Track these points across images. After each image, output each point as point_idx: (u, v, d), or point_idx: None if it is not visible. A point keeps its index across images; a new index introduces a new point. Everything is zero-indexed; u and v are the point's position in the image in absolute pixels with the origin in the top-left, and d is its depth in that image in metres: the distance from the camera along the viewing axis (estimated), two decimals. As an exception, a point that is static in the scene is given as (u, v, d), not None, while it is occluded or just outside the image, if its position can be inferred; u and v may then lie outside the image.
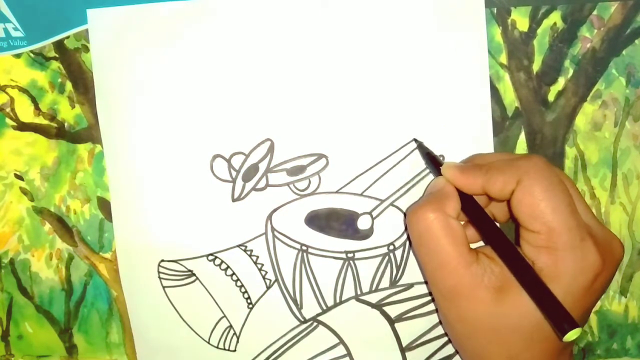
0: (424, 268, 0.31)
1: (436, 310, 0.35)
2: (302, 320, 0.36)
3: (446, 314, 0.30)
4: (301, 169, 0.35)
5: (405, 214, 0.35)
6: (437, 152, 0.35)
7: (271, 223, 0.36)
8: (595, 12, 0.34)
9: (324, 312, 0.36)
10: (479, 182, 0.30)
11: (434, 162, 0.33)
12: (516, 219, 0.29)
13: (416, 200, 0.34)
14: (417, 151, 0.35)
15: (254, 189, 0.36)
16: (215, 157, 0.36)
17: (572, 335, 0.25)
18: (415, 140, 0.35)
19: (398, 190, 0.35)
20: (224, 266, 0.36)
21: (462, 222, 0.31)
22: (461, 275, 0.28)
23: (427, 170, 0.35)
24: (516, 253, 0.28)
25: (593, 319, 0.37)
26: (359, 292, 0.36)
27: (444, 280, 0.29)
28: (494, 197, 0.30)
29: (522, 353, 0.29)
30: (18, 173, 0.38)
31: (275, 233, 0.36)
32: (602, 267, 0.27)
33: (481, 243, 0.33)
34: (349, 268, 0.35)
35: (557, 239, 0.27)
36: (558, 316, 0.25)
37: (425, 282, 0.35)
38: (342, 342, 0.36)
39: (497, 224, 0.32)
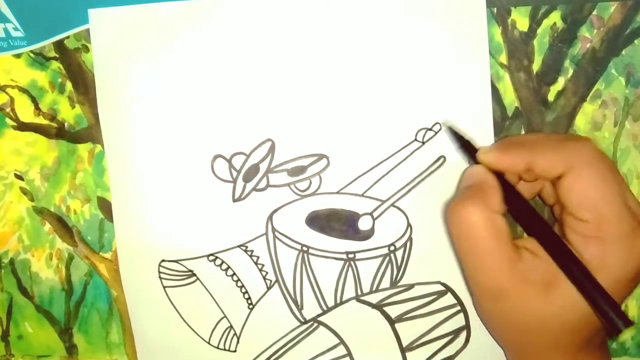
0: (464, 266, 0.29)
1: (439, 310, 0.35)
2: (303, 320, 0.36)
3: (490, 312, 0.30)
4: (302, 169, 0.35)
5: (410, 219, 0.35)
6: (438, 153, 0.35)
7: (272, 223, 0.36)
8: (595, 12, 0.34)
9: (324, 312, 0.36)
10: (523, 161, 0.28)
11: (467, 148, 0.31)
12: (563, 204, 0.28)
13: (418, 206, 0.34)
14: (418, 152, 0.35)
15: (254, 189, 0.36)
16: (216, 157, 0.36)
17: (626, 334, 0.24)
18: (450, 127, 0.33)
19: (399, 190, 0.35)
20: (224, 266, 0.36)
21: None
22: (506, 275, 0.27)
23: (429, 171, 0.35)
24: (565, 248, 0.27)
25: (593, 318, 0.37)
26: (359, 293, 0.36)
27: (489, 280, 0.28)
28: (537, 176, 0.28)
29: (569, 343, 0.28)
30: (18, 173, 0.38)
31: (276, 233, 0.36)
32: None
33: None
34: (350, 268, 0.35)
35: (607, 228, 0.26)
36: (612, 315, 0.25)
37: (430, 283, 0.35)
38: (342, 342, 0.36)
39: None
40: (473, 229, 0.27)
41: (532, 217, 0.28)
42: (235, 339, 0.37)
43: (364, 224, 0.35)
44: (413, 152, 0.35)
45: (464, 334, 0.35)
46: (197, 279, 0.36)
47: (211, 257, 0.36)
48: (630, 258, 0.26)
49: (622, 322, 0.24)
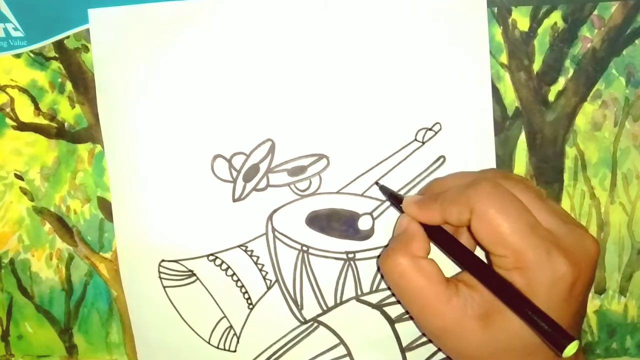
0: (410, 312, 0.31)
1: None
2: (303, 320, 0.36)
3: (443, 349, 0.30)
4: (302, 169, 0.35)
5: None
6: (438, 152, 0.35)
7: (272, 223, 0.36)
8: (595, 12, 0.34)
9: (324, 312, 0.36)
10: (437, 214, 0.30)
11: (396, 200, 0.33)
12: (480, 246, 0.29)
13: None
14: (418, 152, 0.35)
15: (254, 189, 0.36)
16: (216, 157, 0.36)
17: (570, 349, 0.24)
18: (377, 183, 0.35)
19: (399, 190, 0.35)
20: (224, 266, 0.36)
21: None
22: (444, 312, 0.28)
23: (428, 171, 0.35)
24: (495, 275, 0.28)
25: (592, 318, 0.37)
26: (359, 293, 0.36)
27: (429, 321, 0.29)
28: (456, 226, 0.30)
29: None
30: (18, 173, 0.38)
31: (276, 233, 0.36)
32: (576, 274, 0.27)
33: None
34: (350, 268, 0.35)
35: (523, 259, 0.27)
36: (553, 333, 0.25)
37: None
38: (342, 342, 0.36)
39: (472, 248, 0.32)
40: (402, 276, 0.29)
41: (461, 252, 0.30)
42: (235, 339, 0.37)
43: (363, 224, 0.35)
44: (413, 152, 0.35)
45: (464, 334, 0.35)
46: (197, 279, 0.36)
47: (211, 257, 0.36)
48: (554, 281, 0.27)
49: (562, 337, 0.25)
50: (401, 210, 0.32)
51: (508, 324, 0.27)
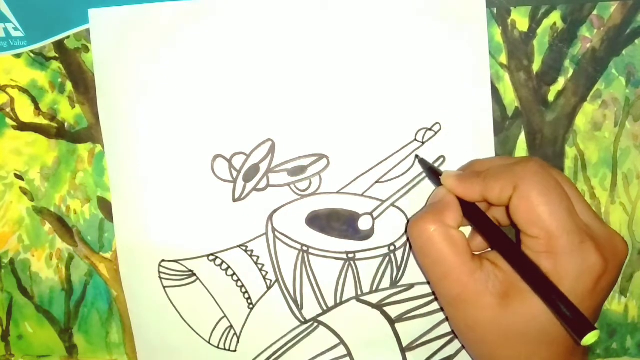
0: (429, 278, 0.31)
1: (439, 310, 0.35)
2: (303, 320, 0.36)
3: (454, 320, 0.31)
4: (302, 169, 0.35)
5: (406, 223, 0.35)
6: (438, 152, 0.35)
7: (272, 223, 0.36)
8: (595, 12, 0.34)
9: (324, 312, 0.36)
10: (477, 189, 0.30)
11: (434, 173, 0.33)
12: (515, 224, 0.29)
13: (418, 206, 0.35)
14: (418, 152, 0.35)
15: (254, 189, 0.36)
16: (216, 157, 0.36)
17: (590, 338, 0.24)
18: (417, 156, 0.35)
19: (399, 190, 0.35)
20: (224, 266, 0.36)
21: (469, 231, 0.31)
22: (465, 283, 0.28)
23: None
24: (523, 256, 0.28)
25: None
26: (359, 293, 0.36)
27: (449, 289, 0.29)
28: (493, 203, 0.30)
29: (531, 357, 0.29)
30: (18, 173, 0.38)
31: (276, 233, 0.36)
32: (604, 268, 0.27)
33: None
34: (350, 268, 0.35)
35: (555, 243, 0.27)
36: (574, 319, 0.25)
37: (428, 283, 0.35)
38: (342, 342, 0.36)
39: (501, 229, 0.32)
40: (430, 241, 0.29)
41: (491, 230, 0.30)
42: (235, 338, 0.37)
43: (364, 224, 0.35)
44: (413, 152, 0.35)
45: (464, 334, 0.35)
46: (197, 279, 0.36)
47: (211, 257, 0.36)
48: (582, 270, 0.27)
49: (584, 325, 0.25)
50: (438, 183, 0.32)
51: (527, 307, 0.27)
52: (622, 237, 0.29)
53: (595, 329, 0.25)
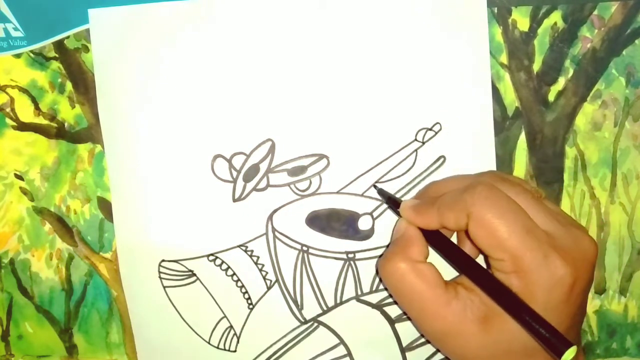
0: (410, 316, 0.31)
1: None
2: (303, 320, 0.36)
3: (444, 353, 0.30)
4: (302, 169, 0.35)
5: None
6: (438, 152, 0.35)
7: (272, 223, 0.36)
8: (595, 12, 0.34)
9: (324, 312, 0.36)
10: (434, 219, 0.30)
11: (394, 204, 0.33)
12: (479, 249, 0.29)
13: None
14: (418, 152, 0.35)
15: (254, 189, 0.36)
16: (216, 157, 0.36)
17: (568, 355, 0.24)
18: (375, 186, 0.35)
19: (399, 190, 0.35)
20: (224, 266, 0.36)
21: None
22: (443, 316, 0.28)
23: (428, 171, 0.35)
24: (493, 279, 0.28)
25: (592, 318, 0.37)
26: (359, 293, 0.36)
27: (429, 325, 0.29)
28: (452, 230, 0.30)
29: None
30: (18, 173, 0.38)
31: (276, 233, 0.36)
32: (574, 276, 0.27)
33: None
34: (350, 268, 0.35)
35: (521, 262, 0.27)
36: (550, 338, 0.25)
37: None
38: (342, 342, 0.36)
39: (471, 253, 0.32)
40: (401, 280, 0.29)
41: (458, 256, 0.30)
42: (235, 339, 0.37)
43: (364, 224, 0.35)
44: (413, 152, 0.35)
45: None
46: (197, 279, 0.36)
47: (211, 257, 0.36)
48: (552, 284, 0.27)
49: (560, 343, 0.25)
50: (399, 214, 0.32)
51: (507, 326, 0.27)
52: (589, 236, 0.29)
53: (571, 345, 0.24)
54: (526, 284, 0.27)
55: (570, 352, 0.24)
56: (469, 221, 0.28)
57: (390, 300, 0.36)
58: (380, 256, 0.33)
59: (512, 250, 0.27)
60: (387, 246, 0.34)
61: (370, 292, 0.36)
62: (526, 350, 0.28)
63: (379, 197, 0.35)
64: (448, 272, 0.33)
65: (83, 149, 0.38)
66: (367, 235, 0.35)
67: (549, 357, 0.28)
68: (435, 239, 0.31)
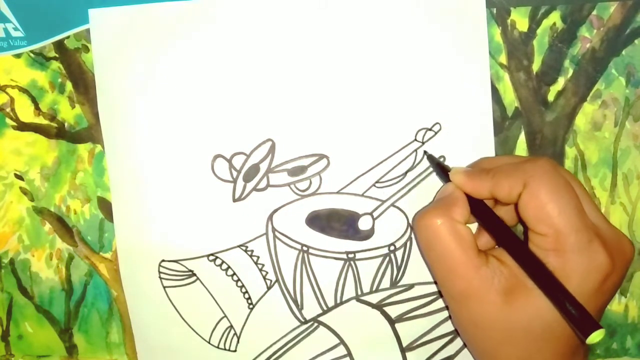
0: (434, 272, 0.31)
1: (439, 310, 0.35)
2: (303, 320, 0.36)
3: (458, 316, 0.31)
4: (302, 169, 0.35)
5: (410, 219, 0.35)
6: (438, 153, 0.35)
7: (272, 223, 0.36)
8: (594, 12, 0.35)
9: (324, 312, 0.36)
10: (486, 186, 0.30)
11: (442, 169, 0.33)
12: (524, 221, 0.29)
13: (418, 206, 0.34)
14: (418, 151, 0.35)
15: (254, 189, 0.36)
16: (216, 157, 0.36)
17: (595, 337, 0.25)
18: (425, 152, 0.35)
19: (399, 191, 0.35)
20: (224, 266, 0.36)
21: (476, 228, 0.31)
22: (470, 278, 0.28)
23: (428, 171, 0.35)
24: (530, 254, 0.28)
25: (593, 318, 0.37)
26: (359, 293, 0.36)
27: (454, 284, 0.29)
28: (501, 201, 0.30)
29: (533, 354, 0.29)
30: (18, 173, 0.38)
31: (276, 233, 0.36)
32: (611, 267, 0.27)
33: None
34: (350, 268, 0.35)
35: (564, 241, 0.27)
36: (580, 318, 0.25)
37: (430, 283, 0.35)
38: (342, 342, 0.36)
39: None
40: (436, 235, 0.29)
41: (498, 227, 0.30)
42: (235, 338, 0.37)
43: (364, 224, 0.35)
44: (413, 152, 0.35)
45: (464, 334, 0.35)
46: (197, 279, 0.36)
47: (211, 257, 0.36)
48: (589, 269, 0.27)
49: (590, 324, 0.25)
50: (445, 179, 0.32)
51: (531, 305, 0.28)
52: (629, 238, 0.29)
53: (600, 327, 0.25)
54: (563, 264, 0.27)
55: (598, 334, 0.25)
56: (524, 190, 0.28)
57: (390, 300, 0.36)
58: (415, 214, 0.33)
59: (558, 227, 0.27)
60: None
61: (371, 292, 0.36)
62: (544, 333, 0.28)
63: (379, 196, 0.35)
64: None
65: (83, 149, 0.38)
66: (367, 235, 0.35)
67: (565, 343, 0.28)
68: (479, 208, 0.31)
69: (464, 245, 0.29)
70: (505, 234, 0.29)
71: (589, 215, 0.28)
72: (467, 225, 0.30)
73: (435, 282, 0.35)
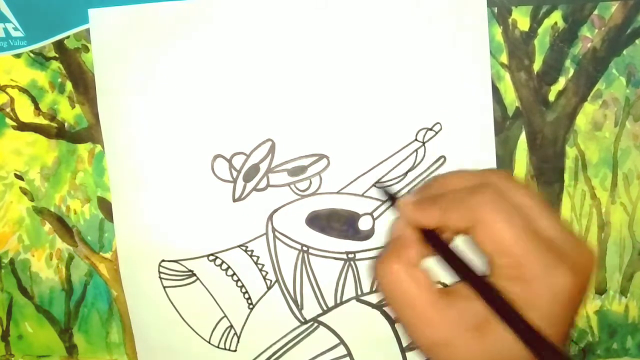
0: (400, 321, 0.30)
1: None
2: (303, 320, 0.36)
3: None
4: (302, 169, 0.35)
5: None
6: (438, 152, 0.35)
7: (272, 223, 0.36)
8: (596, 12, 0.34)
9: (324, 312, 0.36)
10: (436, 218, 0.29)
11: (393, 200, 0.32)
12: (482, 253, 0.28)
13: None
14: (418, 151, 0.35)
15: (254, 189, 0.36)
16: (216, 157, 0.36)
17: None
18: (376, 184, 0.35)
19: (399, 191, 0.35)
20: (224, 266, 0.36)
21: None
22: (437, 323, 0.27)
23: (428, 171, 0.35)
24: (491, 287, 0.27)
25: (593, 319, 0.37)
26: (359, 293, 0.36)
27: (422, 332, 0.28)
28: (452, 231, 0.29)
29: None
30: (18, 173, 0.38)
31: (276, 233, 0.36)
32: (576, 285, 0.26)
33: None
34: (350, 268, 0.35)
35: (525, 270, 0.26)
36: (546, 352, 0.25)
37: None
38: (342, 342, 0.36)
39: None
40: (396, 283, 0.28)
41: (456, 261, 0.29)
42: (235, 338, 0.37)
43: (364, 224, 0.35)
44: (413, 152, 0.35)
45: (464, 334, 0.35)
46: (197, 279, 0.36)
47: (211, 257, 0.36)
48: (555, 292, 0.26)
49: (556, 357, 0.24)
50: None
51: (502, 336, 0.27)
52: (587, 245, 0.29)
53: (563, 358, 0.24)
54: (528, 291, 0.26)
55: None
56: (475, 224, 0.27)
57: (390, 300, 0.36)
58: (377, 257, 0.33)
59: (517, 256, 0.26)
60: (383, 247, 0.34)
61: (371, 292, 0.36)
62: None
63: (379, 197, 0.35)
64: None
65: (83, 149, 0.38)
66: (368, 235, 0.35)
67: None
68: (432, 240, 0.30)
69: (425, 290, 0.28)
70: (463, 268, 0.28)
71: (545, 230, 0.27)
72: (425, 266, 0.29)
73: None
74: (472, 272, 0.28)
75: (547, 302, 0.26)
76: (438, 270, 0.30)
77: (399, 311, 0.29)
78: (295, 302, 0.36)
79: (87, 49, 0.37)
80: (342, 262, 0.35)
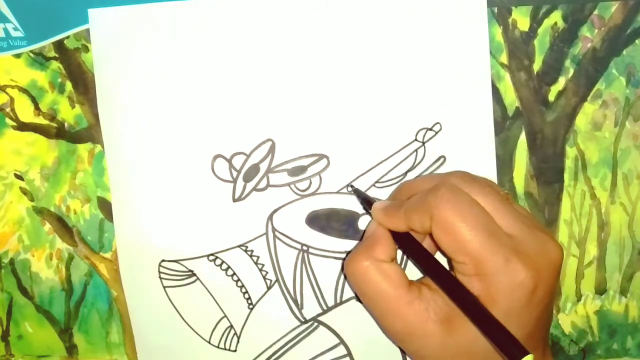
0: (372, 315, 0.31)
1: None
2: (303, 320, 0.36)
3: (407, 352, 0.30)
4: (302, 169, 0.35)
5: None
6: (438, 152, 0.35)
7: (272, 223, 0.36)
8: (596, 12, 0.34)
9: (324, 312, 0.36)
10: (402, 222, 0.29)
11: (368, 204, 0.33)
12: (442, 250, 0.29)
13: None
14: (418, 151, 0.35)
15: (254, 189, 0.36)
16: (216, 157, 0.36)
17: None
18: (351, 185, 0.35)
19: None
20: (224, 266, 0.36)
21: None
22: (406, 315, 0.28)
23: (428, 171, 0.35)
24: (456, 283, 0.27)
25: (593, 319, 0.37)
26: (359, 293, 0.36)
27: (391, 324, 0.29)
28: (419, 233, 0.30)
29: None
30: (18, 173, 0.38)
31: (276, 233, 0.36)
32: (535, 280, 0.27)
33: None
34: (350, 268, 0.35)
35: (481, 266, 0.27)
36: (507, 345, 0.25)
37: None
38: (342, 342, 0.36)
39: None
40: (364, 278, 0.29)
41: (424, 257, 0.29)
42: (235, 338, 0.37)
43: (363, 224, 0.35)
44: (413, 152, 0.35)
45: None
46: (197, 279, 0.36)
47: (211, 257, 0.36)
48: (513, 288, 0.26)
49: (516, 350, 0.24)
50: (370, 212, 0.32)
51: (469, 328, 0.27)
52: (554, 241, 0.29)
53: (527, 353, 0.24)
54: (487, 287, 0.27)
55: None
56: (432, 224, 0.28)
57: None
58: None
59: (473, 253, 0.27)
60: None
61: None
62: (487, 353, 0.27)
63: (379, 196, 0.35)
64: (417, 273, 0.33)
65: (83, 149, 0.38)
66: (367, 235, 0.35)
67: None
68: (404, 240, 0.30)
69: (393, 283, 0.28)
70: (428, 263, 0.29)
71: (506, 227, 0.28)
72: (394, 262, 0.30)
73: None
74: (437, 269, 0.29)
75: (505, 298, 0.27)
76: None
77: (369, 304, 0.30)
78: (295, 301, 0.36)
79: (87, 49, 0.37)
80: (342, 261, 0.35)
